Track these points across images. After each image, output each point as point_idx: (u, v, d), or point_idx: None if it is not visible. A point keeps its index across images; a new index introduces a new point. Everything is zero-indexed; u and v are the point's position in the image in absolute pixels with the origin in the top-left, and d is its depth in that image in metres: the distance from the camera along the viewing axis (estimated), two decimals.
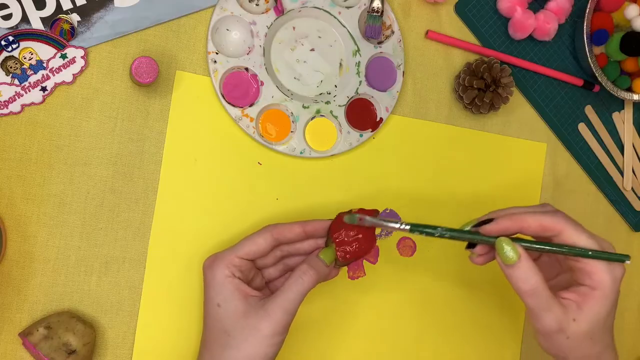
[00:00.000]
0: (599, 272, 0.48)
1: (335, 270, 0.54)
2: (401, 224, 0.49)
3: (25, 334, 0.51)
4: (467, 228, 0.50)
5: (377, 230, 0.63)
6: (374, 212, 0.54)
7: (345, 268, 0.62)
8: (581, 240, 0.48)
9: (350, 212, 0.53)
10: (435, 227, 0.49)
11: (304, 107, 0.60)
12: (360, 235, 0.52)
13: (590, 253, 0.48)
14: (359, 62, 0.62)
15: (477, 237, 0.49)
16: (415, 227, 0.49)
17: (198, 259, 0.57)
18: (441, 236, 0.49)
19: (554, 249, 0.48)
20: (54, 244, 0.54)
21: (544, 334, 0.49)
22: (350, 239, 0.52)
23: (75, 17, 0.54)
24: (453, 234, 0.49)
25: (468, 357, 0.67)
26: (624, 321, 0.74)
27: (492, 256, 0.51)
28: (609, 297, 0.48)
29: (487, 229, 0.49)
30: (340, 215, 0.53)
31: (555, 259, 0.54)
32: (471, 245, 0.51)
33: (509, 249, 0.48)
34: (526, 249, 0.48)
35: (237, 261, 0.51)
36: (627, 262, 0.48)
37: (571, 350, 0.49)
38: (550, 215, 0.49)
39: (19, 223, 0.54)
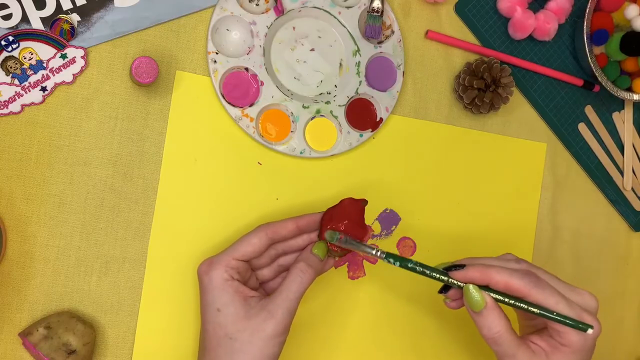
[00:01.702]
0: (568, 332, 0.48)
1: (329, 263, 0.54)
2: (377, 251, 0.51)
3: (25, 334, 0.51)
4: (440, 269, 0.50)
5: (371, 224, 0.63)
6: (362, 202, 0.54)
7: (346, 268, 0.62)
8: (548, 304, 0.48)
9: (342, 203, 0.54)
10: (409, 260, 0.50)
11: (304, 107, 0.60)
12: (349, 224, 0.53)
13: (554, 315, 0.48)
14: (359, 62, 0.62)
15: (445, 278, 0.50)
16: (390, 256, 0.50)
17: (198, 259, 0.57)
18: (412, 269, 0.50)
19: (520, 305, 0.48)
20: (54, 244, 0.54)
21: None
22: (340, 230, 0.52)
23: (75, 17, 0.54)
24: (424, 269, 0.50)
25: (469, 355, 0.67)
26: (624, 322, 0.74)
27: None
28: (579, 353, 0.48)
29: (456, 274, 0.49)
30: (329, 209, 0.53)
31: None
32: (444, 289, 0.51)
33: (475, 295, 0.48)
34: (493, 299, 0.49)
35: (234, 263, 0.51)
36: (590, 331, 0.47)
37: None
38: (518, 276, 0.48)
39: (19, 223, 0.53)
